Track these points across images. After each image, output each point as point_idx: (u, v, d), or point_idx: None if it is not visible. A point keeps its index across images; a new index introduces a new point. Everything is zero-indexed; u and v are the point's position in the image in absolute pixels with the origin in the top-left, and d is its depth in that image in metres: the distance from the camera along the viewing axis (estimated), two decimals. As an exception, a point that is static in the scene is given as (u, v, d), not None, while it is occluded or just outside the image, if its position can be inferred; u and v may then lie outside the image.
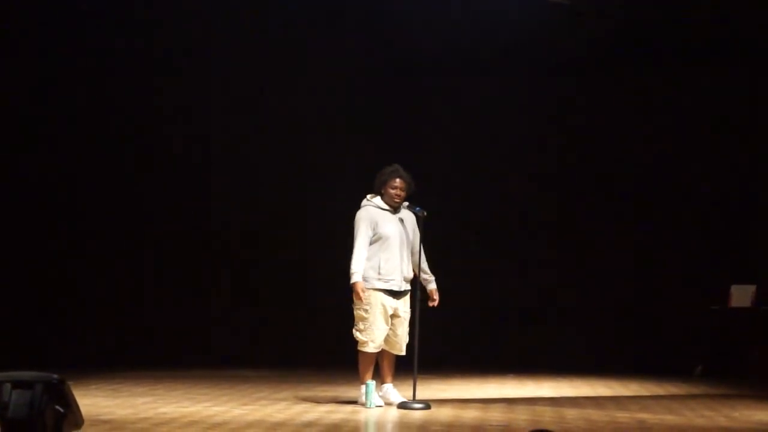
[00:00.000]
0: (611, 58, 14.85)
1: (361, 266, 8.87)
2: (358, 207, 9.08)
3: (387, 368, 9.10)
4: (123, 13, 13.75)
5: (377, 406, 8.84)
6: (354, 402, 9.10)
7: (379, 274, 8.91)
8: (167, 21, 13.94)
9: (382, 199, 9.03)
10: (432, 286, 9.11)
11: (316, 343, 14.04)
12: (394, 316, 8.96)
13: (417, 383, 8.86)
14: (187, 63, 14.22)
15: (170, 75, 14.14)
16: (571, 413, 8.82)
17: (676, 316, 14.40)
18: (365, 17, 14.48)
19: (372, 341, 8.91)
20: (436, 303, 9.07)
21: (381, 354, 9.04)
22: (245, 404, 8.99)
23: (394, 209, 9.04)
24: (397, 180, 9.00)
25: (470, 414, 8.62)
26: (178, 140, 14.47)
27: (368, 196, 9.09)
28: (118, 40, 13.85)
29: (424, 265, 9.11)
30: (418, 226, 9.08)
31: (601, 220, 15.11)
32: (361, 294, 8.84)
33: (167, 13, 13.86)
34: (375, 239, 8.94)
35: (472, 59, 14.78)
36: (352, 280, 8.88)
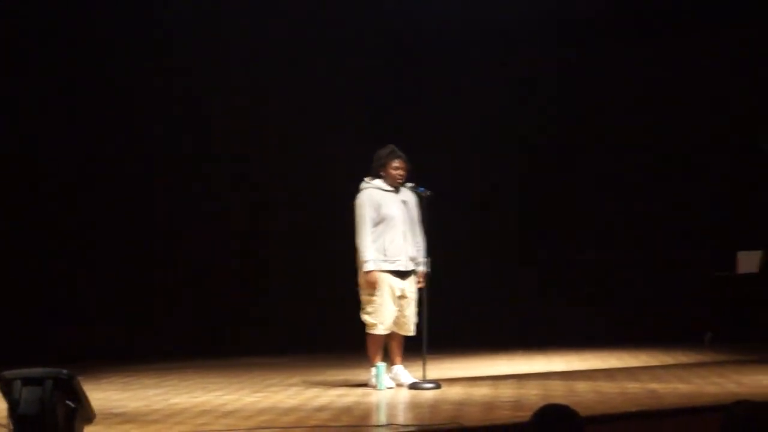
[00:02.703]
0: (614, 28, 14.83)
1: (372, 254, 8.85)
2: (358, 191, 9.07)
3: (396, 349, 9.11)
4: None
5: (388, 388, 8.85)
6: (365, 384, 9.11)
7: (385, 255, 8.90)
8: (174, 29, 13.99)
9: (383, 180, 9.02)
10: (421, 269, 9.09)
11: (325, 328, 14.05)
12: (401, 296, 8.96)
13: (427, 363, 8.87)
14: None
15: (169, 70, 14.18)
16: (581, 386, 8.84)
17: (684, 284, 14.41)
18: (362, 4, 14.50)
19: (381, 323, 8.91)
20: (421, 285, 9.04)
21: (390, 335, 9.04)
22: (256, 391, 9.01)
23: (396, 189, 9.04)
24: (398, 160, 9.00)
25: (481, 391, 8.64)
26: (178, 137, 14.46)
27: (366, 179, 9.07)
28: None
29: (421, 246, 9.09)
30: (420, 206, 9.09)
31: (605, 191, 15.12)
32: (375, 284, 8.84)
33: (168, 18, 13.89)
34: (379, 221, 8.93)
35: (470, 36, 14.79)
36: (366, 269, 8.86)
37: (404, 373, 9.06)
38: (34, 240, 13.35)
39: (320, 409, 7.73)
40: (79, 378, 5.93)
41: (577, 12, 14.43)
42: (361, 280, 8.98)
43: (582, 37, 14.89)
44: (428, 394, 8.50)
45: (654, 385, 8.75)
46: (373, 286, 8.86)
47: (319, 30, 14.56)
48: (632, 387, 8.68)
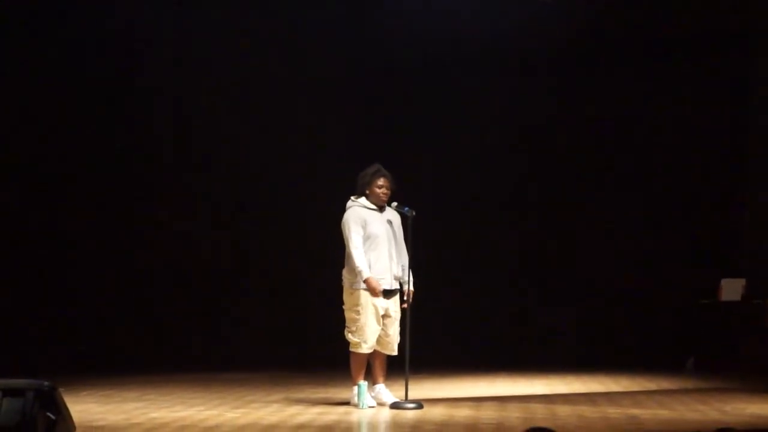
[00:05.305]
0: (594, 54, 14.88)
1: (365, 263, 8.85)
2: (343, 210, 9.06)
3: (379, 368, 9.09)
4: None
5: (370, 407, 8.84)
6: (346, 403, 9.10)
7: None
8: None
9: (367, 199, 9.03)
10: (408, 287, 9.08)
11: (308, 345, 14.03)
12: (385, 315, 8.96)
13: (409, 383, 8.85)
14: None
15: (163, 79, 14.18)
16: (563, 410, 8.83)
17: (667, 311, 14.43)
18: (348, 17, 14.52)
19: (365, 342, 8.90)
20: (406, 305, 9.00)
21: (373, 354, 9.04)
22: (237, 407, 8.97)
23: (381, 208, 9.04)
24: (382, 179, 9.01)
25: (463, 413, 8.62)
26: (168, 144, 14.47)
27: (352, 197, 9.08)
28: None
29: (406, 264, 9.07)
30: (404, 226, 9.08)
31: (590, 216, 15.14)
32: (377, 288, 8.82)
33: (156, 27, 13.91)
34: (364, 239, 8.93)
35: (452, 59, 14.82)
36: (364, 277, 8.82)
37: (386, 392, 9.05)
38: (17, 252, 13.35)
39: (301, 426, 7.71)
40: (60, 390, 5.92)
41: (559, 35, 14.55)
42: (346, 297, 8.98)
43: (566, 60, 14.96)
44: (410, 414, 8.48)
45: (635, 411, 8.75)
46: (375, 292, 8.82)
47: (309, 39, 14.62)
48: (613, 412, 8.67)
